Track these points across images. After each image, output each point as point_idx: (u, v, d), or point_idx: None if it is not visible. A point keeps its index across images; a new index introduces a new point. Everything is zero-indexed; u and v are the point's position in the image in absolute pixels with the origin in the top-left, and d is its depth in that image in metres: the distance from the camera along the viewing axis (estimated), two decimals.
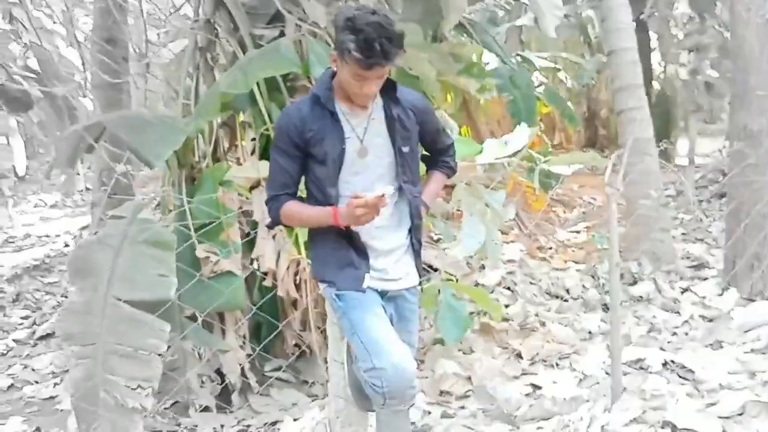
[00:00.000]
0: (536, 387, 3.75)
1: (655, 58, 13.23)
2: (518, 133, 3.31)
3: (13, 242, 9.19)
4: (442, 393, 3.76)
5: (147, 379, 3.10)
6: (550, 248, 7.06)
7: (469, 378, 3.89)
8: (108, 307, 3.06)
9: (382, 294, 2.49)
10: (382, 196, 2.23)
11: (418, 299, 2.66)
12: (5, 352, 5.25)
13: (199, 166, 3.64)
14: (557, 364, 4.05)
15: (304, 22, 3.95)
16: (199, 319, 3.45)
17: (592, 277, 5.83)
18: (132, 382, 3.04)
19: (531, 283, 5.57)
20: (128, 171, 4.43)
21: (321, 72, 3.35)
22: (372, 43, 2.16)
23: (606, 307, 5.22)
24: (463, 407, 3.64)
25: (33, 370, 4.85)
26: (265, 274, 3.62)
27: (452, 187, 3.49)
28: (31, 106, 6.85)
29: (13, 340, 5.38)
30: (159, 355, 3.08)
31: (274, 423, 3.63)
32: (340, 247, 2.44)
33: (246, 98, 3.73)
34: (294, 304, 4.00)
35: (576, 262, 6.41)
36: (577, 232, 7.85)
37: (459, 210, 3.84)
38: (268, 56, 3.34)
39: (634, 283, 5.62)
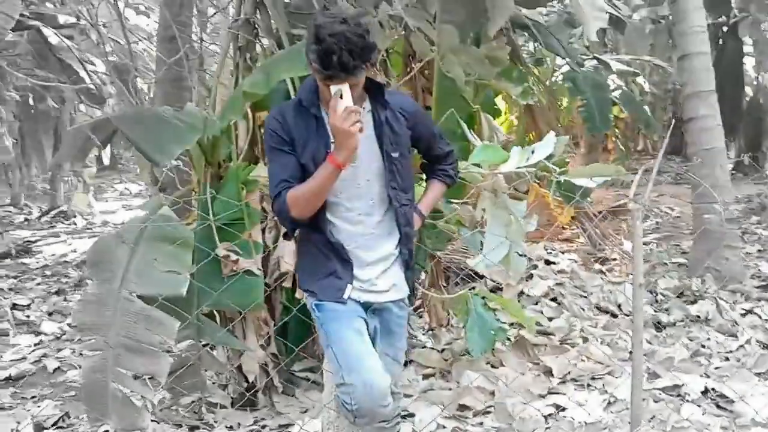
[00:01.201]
0: (560, 408, 3.58)
1: (750, 63, 12.53)
2: (546, 141, 3.15)
3: (91, 229, 9.59)
4: (461, 407, 3.64)
5: (154, 373, 3.13)
6: (614, 260, 6.78)
7: (493, 393, 3.76)
8: (121, 301, 3.09)
9: (367, 306, 2.41)
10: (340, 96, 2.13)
11: (407, 313, 2.56)
12: (60, 335, 5.45)
13: (226, 165, 3.66)
14: (588, 385, 3.85)
15: None
16: (213, 317, 3.45)
17: (651, 293, 5.56)
18: (140, 376, 3.09)
19: (581, 296, 5.36)
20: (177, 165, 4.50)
21: None
22: (330, 56, 2.09)
23: (659, 326, 4.97)
24: (481, 424, 3.52)
25: (81, 354, 5.01)
26: (283, 275, 3.60)
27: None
28: (105, 100, 7.13)
29: (68, 325, 5.58)
30: (167, 351, 3.11)
31: (287, 425, 3.61)
32: (325, 257, 2.38)
33: (282, 98, 3.73)
34: None
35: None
36: (646, 244, 7.50)
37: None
38: (292, 57, 3.31)
39: (695, 301, 5.32)
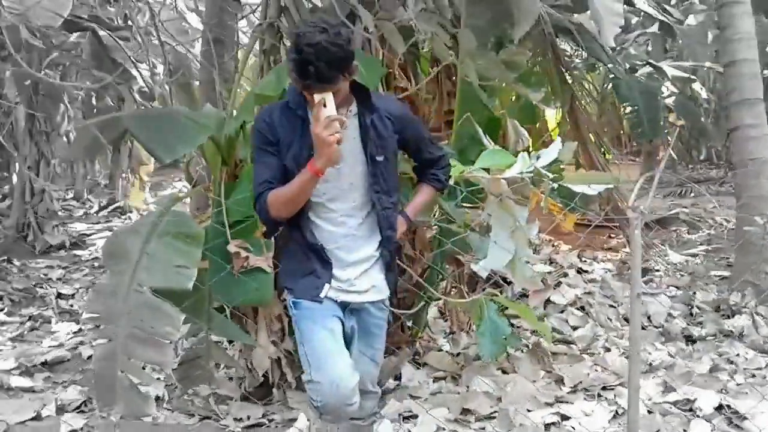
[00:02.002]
0: (565, 417, 3.53)
1: None
2: (552, 146, 3.13)
3: None
4: (466, 411, 3.64)
5: (160, 363, 3.26)
6: (656, 271, 6.62)
7: (500, 399, 3.74)
8: (131, 292, 3.22)
9: (345, 306, 2.45)
10: (323, 104, 2.17)
11: (386, 314, 2.59)
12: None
13: (242, 165, 3.75)
14: (599, 395, 3.79)
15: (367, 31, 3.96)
16: (227, 312, 3.55)
17: (686, 305, 5.41)
18: (147, 365, 3.21)
19: (610, 306, 5.26)
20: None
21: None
22: (307, 66, 2.15)
23: (689, 340, 4.83)
24: (483, 428, 3.51)
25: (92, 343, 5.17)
26: None
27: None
28: (155, 99, 7.37)
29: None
30: (170, 342, 3.22)
31: (294, 420, 3.68)
32: (306, 257, 2.43)
33: None
34: None
35: (677, 288, 5.97)
36: (694, 255, 7.28)
37: None
38: None
39: (732, 316, 5.15)
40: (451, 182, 3.24)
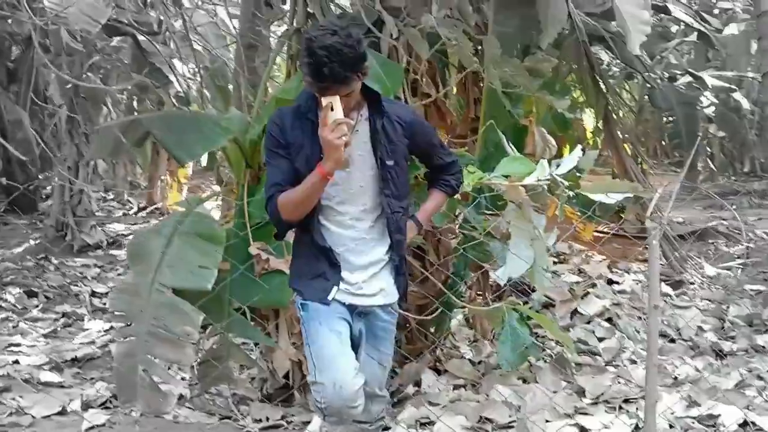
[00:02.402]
0: (584, 429, 3.49)
1: None
2: (572, 154, 3.10)
3: None
4: (484, 420, 3.61)
5: (179, 362, 3.33)
6: (691, 284, 6.49)
7: (519, 408, 3.71)
8: (153, 291, 3.29)
9: (353, 309, 2.47)
10: (330, 108, 2.19)
11: (395, 318, 2.59)
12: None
13: (265, 168, 3.79)
14: (620, 408, 3.73)
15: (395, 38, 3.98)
16: (244, 313, 3.59)
17: (719, 319, 5.30)
18: (166, 364, 3.27)
19: (639, 317, 5.17)
20: None
21: (367, 83, 3.41)
22: (321, 68, 2.17)
23: (719, 354, 4.73)
24: None
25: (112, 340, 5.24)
26: None
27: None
28: (191, 102, 7.51)
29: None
30: (192, 342, 3.27)
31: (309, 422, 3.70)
32: (315, 259, 2.46)
33: None
34: None
35: (710, 301, 5.85)
36: (730, 269, 7.12)
37: None
38: None
39: (765, 331, 5.03)
40: (470, 189, 3.25)
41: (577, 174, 2.99)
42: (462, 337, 4.83)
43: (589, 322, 4.99)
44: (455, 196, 3.35)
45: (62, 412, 3.81)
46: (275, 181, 2.42)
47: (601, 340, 4.78)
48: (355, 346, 2.47)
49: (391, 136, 2.42)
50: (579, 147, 3.11)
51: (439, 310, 4.02)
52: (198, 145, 3.21)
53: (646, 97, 8.78)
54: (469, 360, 4.40)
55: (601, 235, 7.60)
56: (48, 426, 3.66)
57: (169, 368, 3.60)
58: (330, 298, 2.42)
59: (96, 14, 5.64)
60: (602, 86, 6.39)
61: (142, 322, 3.26)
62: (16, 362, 4.59)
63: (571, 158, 3.09)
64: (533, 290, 5.41)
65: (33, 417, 3.72)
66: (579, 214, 3.51)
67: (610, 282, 5.82)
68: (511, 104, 4.15)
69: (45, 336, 5.33)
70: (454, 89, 4.52)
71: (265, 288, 3.58)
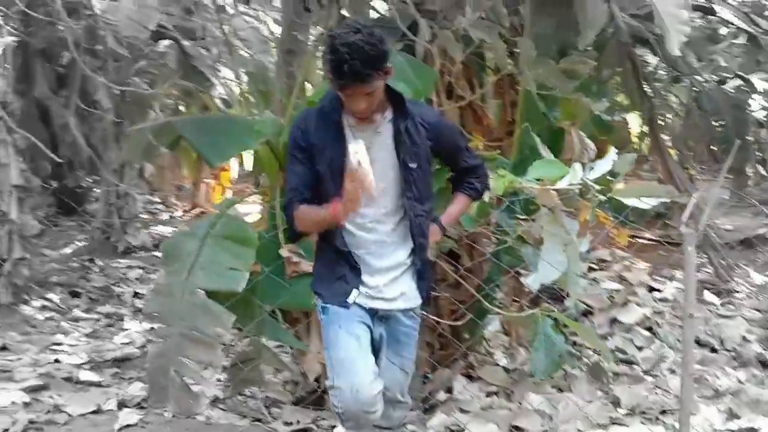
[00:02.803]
0: None
1: None
2: (606, 158, 3.03)
3: None
4: (515, 429, 3.56)
5: (210, 363, 3.34)
6: (737, 292, 6.30)
7: (552, 418, 3.64)
8: (186, 293, 3.32)
9: (373, 313, 2.45)
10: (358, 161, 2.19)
11: (417, 323, 2.56)
12: None
13: None
14: (657, 419, 3.63)
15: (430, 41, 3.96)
16: (276, 316, 3.60)
17: (766, 329, 5.13)
18: (200, 365, 3.29)
19: (680, 326, 5.02)
20: None
21: (397, 86, 3.39)
22: (342, 65, 2.17)
23: (765, 365, 4.57)
24: None
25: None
26: None
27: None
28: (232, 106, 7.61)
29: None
30: (222, 344, 3.29)
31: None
32: (336, 262, 2.45)
33: None
34: None
35: (758, 311, 5.66)
36: None
37: None
38: None
39: None
40: (501, 193, 3.21)
41: (610, 178, 2.91)
42: (497, 344, 4.76)
43: (628, 331, 4.88)
44: (487, 200, 3.32)
45: (97, 411, 3.88)
46: (294, 186, 2.45)
47: (640, 349, 4.67)
48: (376, 351, 2.45)
49: (414, 138, 2.40)
50: (613, 150, 3.03)
51: (472, 316, 3.98)
52: (228, 147, 3.23)
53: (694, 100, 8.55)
54: (503, 367, 4.34)
55: (644, 241, 7.47)
56: (82, 424, 3.73)
57: (204, 369, 3.62)
58: (350, 301, 2.41)
59: (144, 20, 5.77)
60: (647, 89, 6.26)
61: (175, 323, 3.29)
62: (57, 361, 4.69)
63: (606, 162, 3.03)
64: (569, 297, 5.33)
65: (69, 415, 3.79)
66: (612, 219, 3.42)
67: (652, 289, 5.68)
68: (548, 107, 4.08)
69: (87, 336, 5.45)
70: (491, 92, 4.46)
71: (294, 290, 3.58)
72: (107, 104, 7.89)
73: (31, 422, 3.66)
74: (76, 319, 5.77)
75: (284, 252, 3.62)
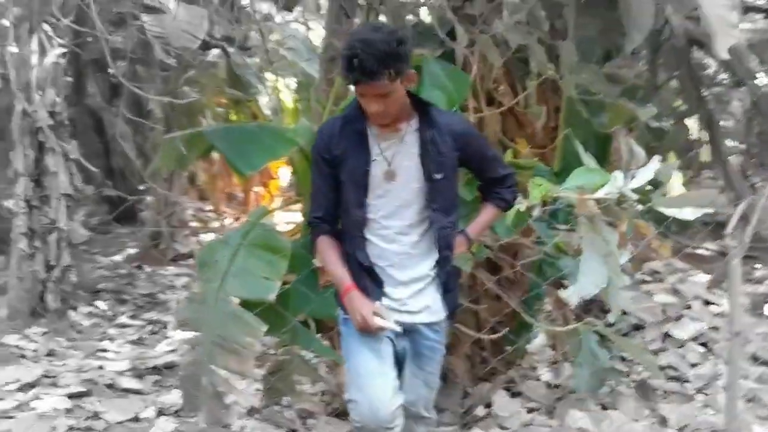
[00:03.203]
0: None
1: None
2: (648, 165, 2.88)
3: None
4: None
5: (242, 373, 3.30)
6: None
7: None
8: (219, 301, 3.29)
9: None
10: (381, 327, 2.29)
11: (442, 337, 2.47)
12: None
13: None
14: None
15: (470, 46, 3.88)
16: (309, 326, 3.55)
17: None
18: (229, 374, 3.26)
19: None
20: None
21: (431, 93, 3.31)
22: (351, 59, 2.10)
23: None
24: None
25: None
26: None
27: None
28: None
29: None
30: (259, 353, 3.25)
31: None
32: (359, 274, 2.38)
33: None
34: None
35: None
36: None
37: None
38: None
39: None
40: (537, 202, 3.08)
41: (651, 187, 2.76)
42: (544, 358, 4.62)
43: (681, 347, 4.66)
44: (523, 209, 3.20)
45: (135, 419, 3.89)
46: (319, 203, 2.45)
47: (693, 366, 4.45)
48: (399, 365, 2.37)
49: (440, 148, 2.31)
50: (656, 158, 2.88)
51: (514, 329, 3.86)
52: (258, 156, 3.19)
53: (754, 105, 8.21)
54: (547, 382, 4.19)
55: (702, 252, 7.17)
56: (119, 431, 3.74)
57: (242, 379, 3.60)
58: None
59: (194, 30, 5.83)
60: (705, 94, 6.02)
61: (207, 331, 3.27)
62: (101, 367, 4.74)
63: (647, 170, 2.88)
64: (623, 312, 5.14)
65: (107, 422, 3.81)
66: (653, 229, 3.26)
67: (708, 303, 5.43)
68: (593, 112, 3.93)
69: (131, 342, 5.50)
70: (534, 98, 4.33)
71: (321, 300, 3.51)
72: (158, 113, 8.03)
73: (71, 428, 3.69)
74: (123, 326, 5.85)
75: (317, 262, 3.57)
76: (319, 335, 3.72)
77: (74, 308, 5.89)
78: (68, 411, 3.90)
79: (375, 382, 2.25)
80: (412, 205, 2.34)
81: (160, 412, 4.00)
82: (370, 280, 2.35)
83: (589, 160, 3.44)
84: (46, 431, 3.62)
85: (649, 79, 4.10)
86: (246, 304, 3.34)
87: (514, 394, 4.04)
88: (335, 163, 2.36)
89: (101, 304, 6.19)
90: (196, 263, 3.57)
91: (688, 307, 5.21)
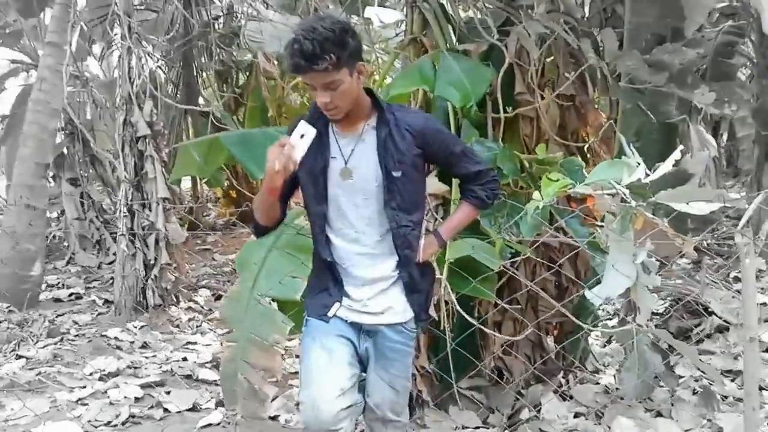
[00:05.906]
0: None
1: None
2: (670, 157, 2.66)
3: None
4: None
5: (270, 369, 3.42)
6: None
7: None
8: (252, 299, 3.43)
9: (359, 327, 2.36)
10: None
11: (407, 338, 2.40)
12: None
13: None
14: None
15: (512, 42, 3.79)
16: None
17: None
18: (260, 371, 3.39)
19: None
20: None
21: (444, 90, 3.25)
22: (293, 44, 2.09)
23: None
24: None
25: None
26: None
27: None
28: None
29: None
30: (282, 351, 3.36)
31: None
32: (323, 273, 2.39)
33: (441, 114, 3.76)
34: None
35: None
36: None
37: None
38: (409, 74, 3.31)
39: None
40: (549, 198, 2.95)
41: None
42: (611, 362, 4.40)
43: (766, 351, 4.27)
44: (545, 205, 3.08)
45: (193, 408, 4.11)
46: None
47: None
48: (364, 366, 2.36)
49: (399, 145, 2.26)
50: (680, 148, 2.67)
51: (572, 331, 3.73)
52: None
53: None
54: (606, 386, 3.99)
55: None
56: (174, 420, 3.98)
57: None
58: (330, 314, 2.34)
59: (285, 37, 6.09)
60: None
61: (241, 328, 3.42)
62: (185, 359, 5.05)
63: (668, 162, 2.67)
64: (708, 311, 4.79)
65: (166, 411, 4.05)
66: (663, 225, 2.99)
67: None
68: (655, 101, 3.69)
69: (221, 336, 5.79)
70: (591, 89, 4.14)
71: None
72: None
73: (132, 416, 3.97)
74: (216, 320, 6.16)
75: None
76: None
77: (176, 304, 6.30)
78: (137, 399, 4.19)
79: (321, 379, 2.25)
80: (371, 204, 2.30)
81: (220, 403, 4.20)
82: (332, 280, 2.36)
83: (631, 152, 3.26)
84: (110, 418, 3.91)
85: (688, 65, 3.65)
86: (282, 304, 3.47)
87: (566, 398, 3.88)
88: None
89: (200, 300, 6.56)
90: (236, 264, 3.72)
91: None
